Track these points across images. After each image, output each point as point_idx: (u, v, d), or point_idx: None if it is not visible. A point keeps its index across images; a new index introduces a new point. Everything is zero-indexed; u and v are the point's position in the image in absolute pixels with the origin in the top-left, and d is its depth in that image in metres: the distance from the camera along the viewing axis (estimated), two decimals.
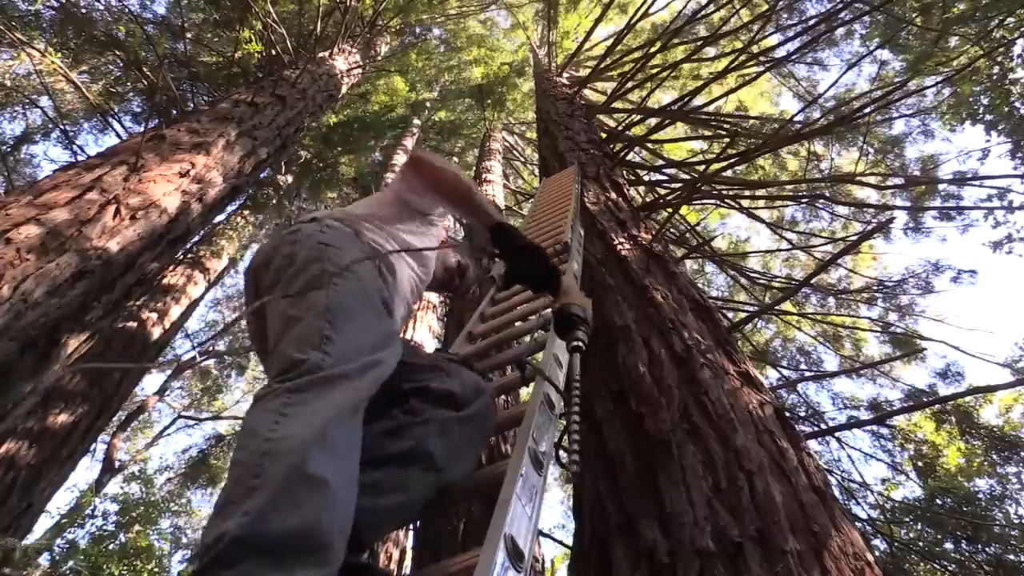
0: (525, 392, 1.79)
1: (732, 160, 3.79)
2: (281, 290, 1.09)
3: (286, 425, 0.80)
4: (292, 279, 1.10)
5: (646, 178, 5.97)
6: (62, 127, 6.78)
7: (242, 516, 0.68)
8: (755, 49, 5.30)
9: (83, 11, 6.82)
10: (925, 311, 6.53)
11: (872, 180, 5.48)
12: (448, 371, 1.18)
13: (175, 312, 6.91)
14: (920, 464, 5.05)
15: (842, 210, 6.69)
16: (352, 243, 1.24)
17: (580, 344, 1.10)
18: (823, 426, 4.80)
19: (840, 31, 7.52)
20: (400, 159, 10.21)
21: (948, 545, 4.17)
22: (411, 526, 3.26)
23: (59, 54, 6.02)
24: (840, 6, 4.74)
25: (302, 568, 0.66)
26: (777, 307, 5.51)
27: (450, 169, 1.44)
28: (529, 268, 1.26)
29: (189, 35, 7.10)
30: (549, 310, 1.47)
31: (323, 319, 0.99)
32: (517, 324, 1.83)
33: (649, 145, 6.80)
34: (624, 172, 4.69)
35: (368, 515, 0.83)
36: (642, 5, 6.02)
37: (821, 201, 6.19)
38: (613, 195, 3.31)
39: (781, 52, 5.62)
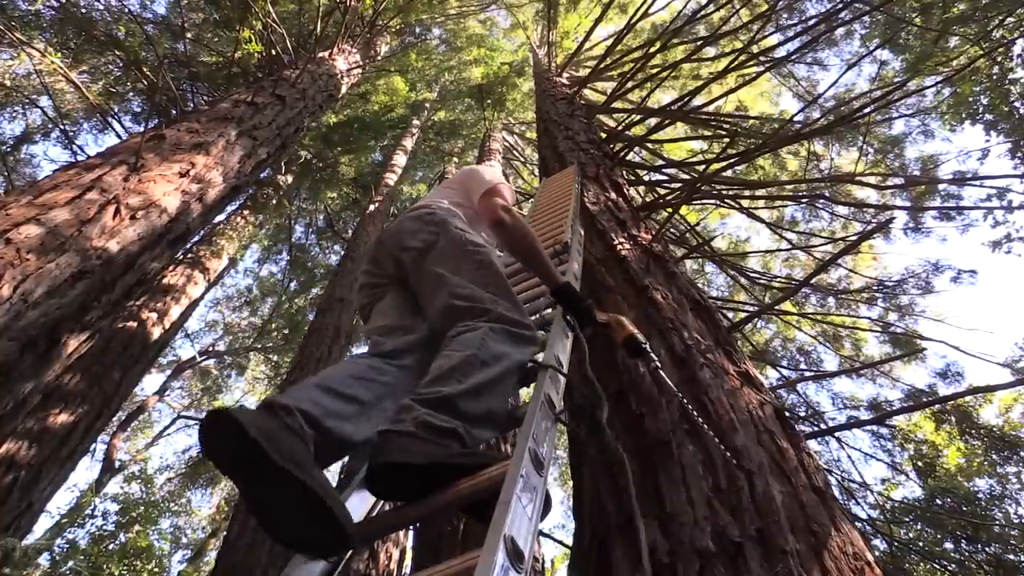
0: (526, 392, 1.79)
1: (732, 160, 3.78)
2: None
3: None
4: None
5: (646, 178, 5.96)
6: (62, 127, 6.78)
7: None
8: (755, 49, 5.29)
9: (83, 11, 6.82)
10: (925, 311, 6.53)
11: (872, 180, 5.48)
12: None
13: (175, 312, 6.91)
14: (920, 464, 5.04)
15: (842, 210, 6.68)
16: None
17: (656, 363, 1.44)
18: (823, 426, 4.80)
19: (840, 31, 7.53)
20: (400, 159, 10.19)
21: (948, 545, 4.17)
22: (411, 526, 3.26)
23: (59, 54, 6.02)
24: (840, 6, 4.74)
25: None
26: (777, 307, 5.50)
27: (528, 233, 1.64)
28: (591, 320, 1.53)
29: (189, 35, 7.10)
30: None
31: None
32: None
33: (649, 145, 6.80)
34: (624, 172, 4.69)
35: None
36: (642, 5, 6.01)
37: (821, 201, 6.18)
38: (613, 195, 3.30)
39: (781, 52, 5.61)
